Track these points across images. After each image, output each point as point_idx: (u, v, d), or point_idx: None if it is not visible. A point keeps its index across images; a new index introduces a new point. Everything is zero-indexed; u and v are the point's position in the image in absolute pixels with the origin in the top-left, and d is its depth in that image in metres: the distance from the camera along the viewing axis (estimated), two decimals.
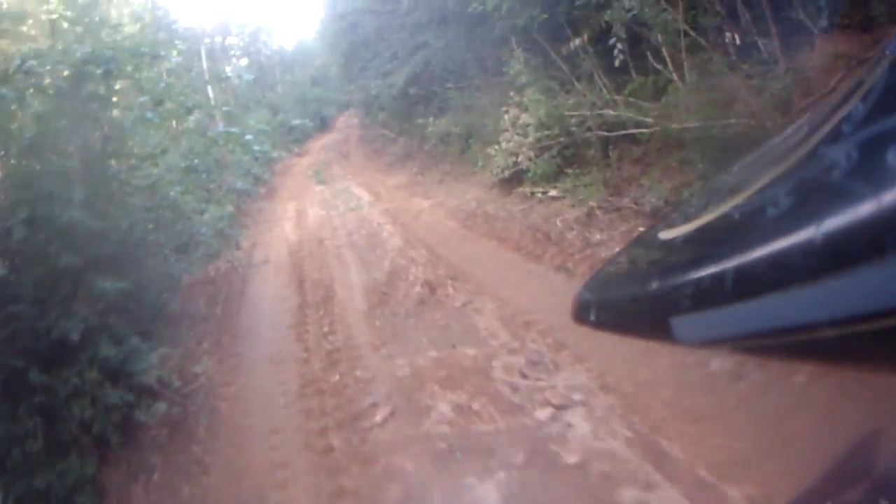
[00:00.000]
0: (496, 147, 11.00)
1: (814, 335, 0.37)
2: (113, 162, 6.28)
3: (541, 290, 6.59)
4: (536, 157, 10.12)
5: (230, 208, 13.10)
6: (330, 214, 13.51)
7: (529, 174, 10.18)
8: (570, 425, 4.21)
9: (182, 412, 5.32)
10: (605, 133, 9.18)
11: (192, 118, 8.97)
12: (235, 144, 8.66)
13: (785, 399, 3.90)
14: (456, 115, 15.03)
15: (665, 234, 0.66)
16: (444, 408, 4.66)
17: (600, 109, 9.28)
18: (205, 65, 23.71)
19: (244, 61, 37.29)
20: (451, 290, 7.02)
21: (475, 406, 4.62)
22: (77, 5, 6.83)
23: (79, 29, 6.52)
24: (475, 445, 4.17)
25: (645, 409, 4.23)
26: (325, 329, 6.79)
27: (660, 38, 8.30)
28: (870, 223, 0.33)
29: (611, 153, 9.33)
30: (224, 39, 35.70)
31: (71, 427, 4.43)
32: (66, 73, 5.38)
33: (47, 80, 5.50)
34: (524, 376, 4.93)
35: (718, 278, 0.43)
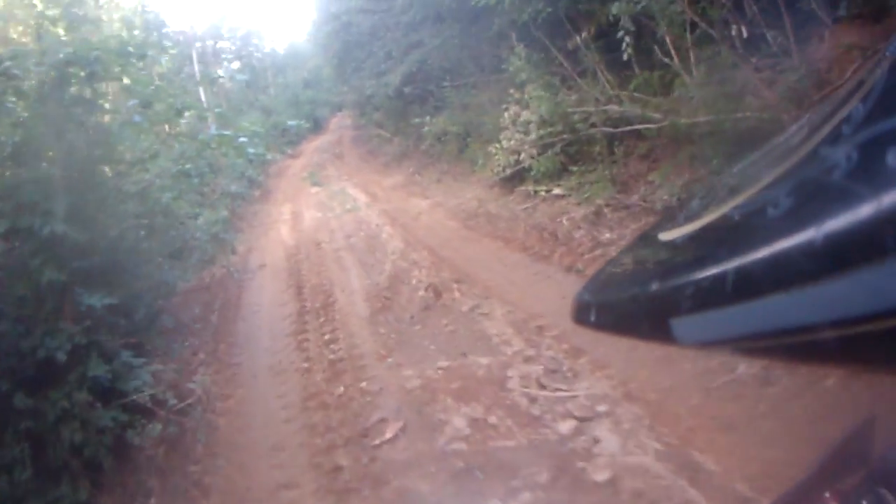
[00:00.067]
0: (497, 145, 10.73)
1: (814, 336, 0.36)
2: (100, 168, 6.00)
3: (551, 293, 6.30)
4: (539, 154, 9.86)
5: (224, 212, 12.88)
6: (326, 216, 13.22)
7: (532, 172, 9.93)
8: (595, 439, 3.93)
9: (178, 429, 5.04)
10: (611, 129, 8.94)
11: (183, 121, 8.65)
12: (229, 147, 8.35)
13: (816, 404, 3.64)
14: (453, 113, 14.78)
15: (665, 235, 0.66)
16: (458, 422, 4.37)
17: (604, 105, 9.06)
18: (196, 68, 23.50)
19: (236, 64, 37.38)
20: (457, 294, 6.74)
21: (492, 420, 4.33)
22: (62, 3, 6.53)
23: (61, 28, 6.20)
24: (495, 463, 3.89)
25: (673, 419, 3.96)
26: (327, 337, 6.51)
27: (665, 31, 8.06)
28: (870, 224, 0.32)
29: (616, 150, 9.10)
30: (215, 43, 35.76)
31: (61, 452, 4.16)
32: (47, 75, 5.08)
33: (28, 83, 5.20)
34: (542, 386, 4.65)
35: (718, 279, 0.43)
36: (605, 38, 9.38)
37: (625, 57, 8.49)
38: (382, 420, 4.62)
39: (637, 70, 9.16)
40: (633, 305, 0.57)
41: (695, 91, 7.50)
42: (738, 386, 4.07)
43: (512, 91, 10.77)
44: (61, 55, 5.00)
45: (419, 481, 3.88)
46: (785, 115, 6.11)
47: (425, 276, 7.55)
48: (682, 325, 0.46)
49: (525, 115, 10.23)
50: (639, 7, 8.06)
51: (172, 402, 5.14)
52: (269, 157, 16.17)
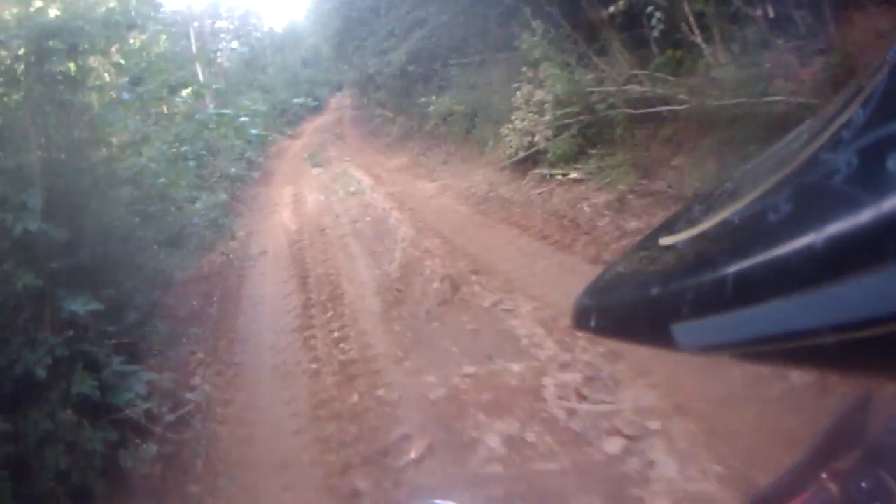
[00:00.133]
0: (509, 126, 10.26)
1: (815, 341, 0.35)
2: (87, 153, 5.51)
3: (578, 287, 5.67)
4: (555, 136, 9.39)
5: (224, 196, 12.50)
6: (330, 200, 12.73)
7: (549, 155, 9.41)
8: (649, 461, 3.47)
9: (177, 442, 4.58)
10: (632, 110, 8.47)
11: (179, 100, 8.09)
12: (228, 128, 7.81)
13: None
14: (459, 92, 14.36)
15: (665, 240, 0.60)
16: (492, 440, 3.89)
17: (624, 85, 8.59)
18: (194, 48, 23.04)
19: (234, 44, 36.93)
20: (476, 288, 6.24)
21: (530, 437, 3.86)
22: None
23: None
24: (538, 491, 3.43)
25: (731, 436, 3.50)
26: (336, 334, 6.01)
27: (687, 9, 7.81)
28: (870, 229, 0.32)
29: (636, 132, 8.60)
30: (213, 22, 35.23)
31: (45, 478, 3.69)
32: (22, 49, 4.52)
33: (1, 58, 4.66)
34: (583, 397, 4.17)
35: (719, 284, 0.40)
36: (624, 14, 8.95)
37: (655, 34, 8.02)
38: (405, 437, 4.13)
39: (655, 49, 8.79)
40: (633, 310, 0.53)
41: (721, 72, 7.18)
42: (794, 396, 3.66)
43: (525, 69, 10.31)
44: (39, 26, 4.43)
45: None
46: (818, 99, 5.89)
47: (439, 266, 7.06)
48: (682, 330, 0.43)
49: (539, 94, 9.74)
50: None
51: (169, 417, 4.67)
52: (269, 137, 15.75)
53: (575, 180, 8.86)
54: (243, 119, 7.30)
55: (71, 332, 4.08)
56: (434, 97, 15.09)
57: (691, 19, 7.84)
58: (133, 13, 5.78)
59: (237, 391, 5.46)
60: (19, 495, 3.58)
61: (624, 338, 0.58)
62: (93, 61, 5.58)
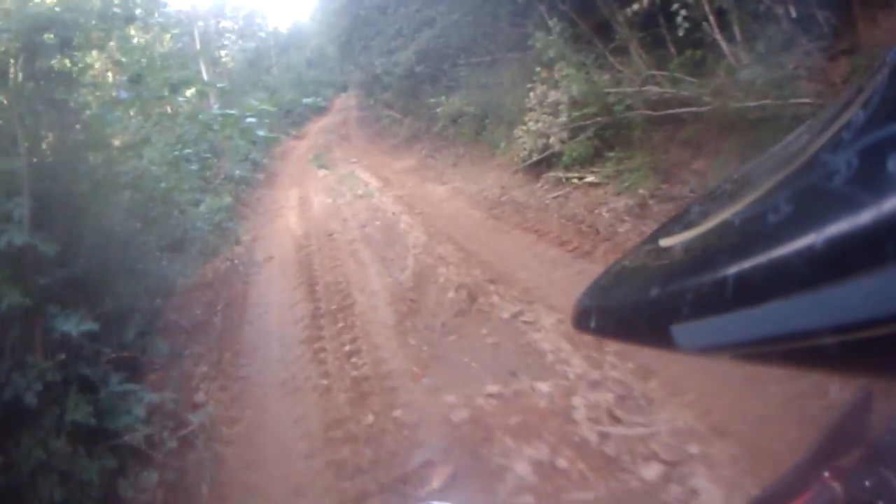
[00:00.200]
0: (522, 128, 9.98)
1: (814, 342, 0.36)
2: (84, 156, 5.23)
3: None
4: (570, 138, 9.11)
5: (228, 199, 12.28)
6: (337, 203, 12.41)
7: (564, 158, 9.11)
8: (692, 490, 3.21)
9: (180, 467, 4.29)
10: (651, 112, 8.17)
11: (182, 99, 7.75)
12: (234, 129, 7.48)
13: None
14: (469, 93, 14.10)
15: (665, 241, 0.60)
16: (521, 468, 3.59)
17: (643, 86, 8.31)
18: (198, 47, 22.86)
19: (239, 44, 36.85)
20: (495, 298, 5.93)
21: (562, 463, 3.57)
22: None
23: None
24: None
25: (775, 460, 3.22)
26: (347, 347, 5.70)
27: (707, 8, 7.54)
28: (870, 230, 0.32)
29: (654, 135, 8.32)
30: (218, 22, 35.49)
31: None
32: (11, 43, 4.20)
33: None
34: (616, 419, 3.87)
35: (719, 285, 0.41)
36: (641, 13, 8.67)
37: (680, 32, 7.69)
38: (427, 463, 3.82)
39: (673, 49, 8.58)
40: (633, 311, 0.54)
41: (749, 73, 6.89)
42: (834, 414, 3.33)
43: (539, 69, 10.03)
44: (30, 18, 4.11)
45: None
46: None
47: (454, 274, 6.77)
48: (682, 331, 0.45)
49: (554, 95, 9.46)
50: None
51: (172, 444, 4.36)
52: (278, 139, 15.47)
53: (591, 184, 8.57)
54: (250, 120, 6.95)
55: (63, 355, 3.78)
56: (443, 98, 14.83)
57: (712, 18, 7.60)
58: (132, 5, 5.46)
59: (244, 408, 5.16)
60: None
61: (624, 339, 0.58)
62: (89, 57, 5.28)
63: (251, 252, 9.96)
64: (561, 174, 9.22)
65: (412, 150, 16.61)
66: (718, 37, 7.55)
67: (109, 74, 6.24)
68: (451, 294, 6.29)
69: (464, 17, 13.88)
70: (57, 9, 4.37)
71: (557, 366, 4.57)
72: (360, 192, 12.67)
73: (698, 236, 0.56)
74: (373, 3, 18.66)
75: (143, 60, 5.88)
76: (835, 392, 3.47)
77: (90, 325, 3.78)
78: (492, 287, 6.17)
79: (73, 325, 3.66)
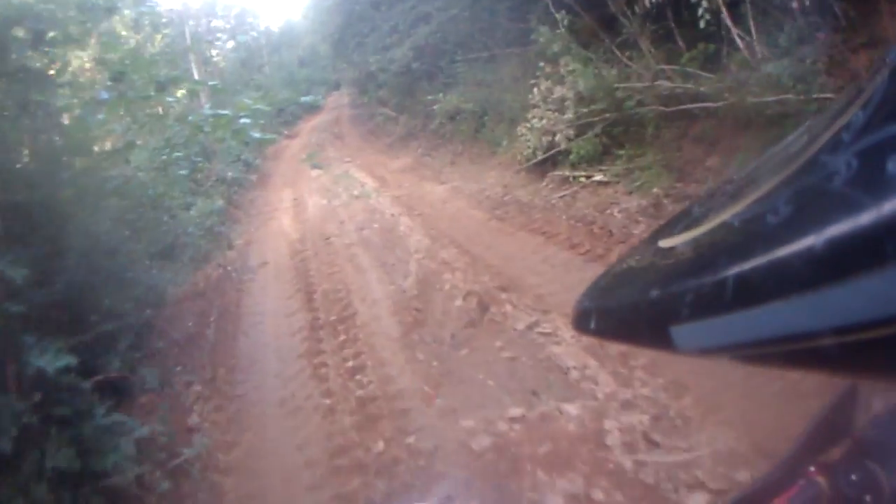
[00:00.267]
0: (526, 125, 9.61)
1: (814, 344, 0.36)
2: (65, 162, 4.87)
3: None
4: (577, 135, 8.72)
5: (220, 202, 11.94)
6: (332, 204, 12.02)
7: (571, 156, 8.75)
8: None
9: (174, 501, 3.91)
10: (663, 108, 7.82)
11: (171, 99, 7.30)
12: (226, 130, 7.03)
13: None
14: (466, 90, 13.79)
15: (665, 242, 0.61)
16: (553, 503, 3.23)
17: (650, 81, 7.96)
18: (189, 46, 22.57)
19: (230, 44, 36.95)
20: (508, 307, 5.54)
21: (598, 496, 3.20)
22: None
23: None
24: None
25: None
26: (350, 363, 5.31)
27: (721, 1, 7.23)
28: (870, 231, 0.32)
29: (664, 132, 7.97)
30: (209, 21, 35.11)
31: None
32: None
33: None
34: (652, 443, 3.50)
35: (718, 286, 0.41)
36: (655, 5, 8.37)
37: (701, 24, 7.33)
38: (447, 499, 3.45)
39: (681, 43, 8.26)
40: (632, 312, 0.55)
41: (769, 67, 6.58)
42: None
43: (542, 65, 9.66)
44: None
45: None
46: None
47: (461, 280, 6.39)
48: (681, 332, 0.45)
49: (559, 90, 9.10)
50: None
51: (164, 484, 3.97)
52: (275, 141, 15.13)
53: (600, 183, 8.22)
54: (244, 121, 6.51)
55: (40, 395, 3.38)
56: (441, 95, 14.51)
57: (724, 11, 7.29)
58: None
59: (241, 431, 4.78)
60: None
61: (624, 340, 0.58)
62: (68, 54, 4.88)
63: (244, 257, 9.56)
64: (567, 173, 8.87)
65: (408, 148, 16.18)
66: (733, 30, 7.25)
67: (91, 74, 5.84)
68: (458, 302, 5.92)
69: (461, 13, 13.61)
70: (29, 0, 3.97)
71: (583, 384, 4.20)
72: (356, 192, 12.30)
73: (698, 237, 0.55)
74: (364, 1, 18.28)
75: (127, 58, 5.46)
76: (878, 404, 3.11)
77: (67, 360, 3.39)
78: (503, 295, 5.79)
79: (51, 359, 3.27)
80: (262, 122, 7.94)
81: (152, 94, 5.77)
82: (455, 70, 14.47)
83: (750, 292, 0.39)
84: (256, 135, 6.35)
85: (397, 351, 5.30)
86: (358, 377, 5.01)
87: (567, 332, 4.87)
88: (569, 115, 8.81)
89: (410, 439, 4.03)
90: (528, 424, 3.88)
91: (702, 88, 7.40)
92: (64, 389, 3.56)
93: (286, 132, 24.56)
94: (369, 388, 4.81)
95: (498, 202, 9.30)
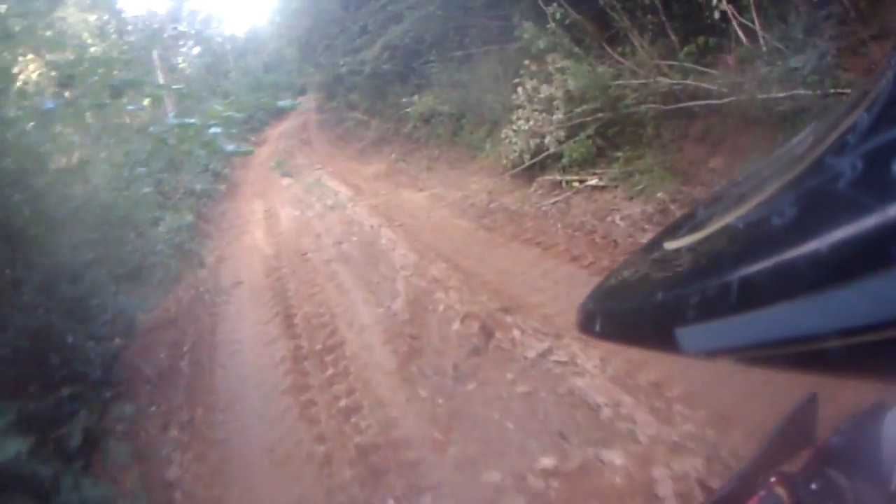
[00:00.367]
0: (512, 127, 9.07)
1: (819, 346, 0.37)
2: (24, 183, 4.34)
3: None
4: (568, 137, 8.21)
5: (189, 217, 11.34)
6: (306, 215, 11.42)
7: (563, 159, 8.25)
8: None
9: None
10: (661, 106, 7.35)
11: (131, 107, 6.59)
12: (193, 142, 6.36)
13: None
14: (442, 91, 13.27)
15: (670, 244, 0.65)
16: None
17: (645, 78, 7.58)
18: (155, 53, 22.02)
19: (196, 49, 36.46)
20: (515, 333, 5.01)
21: None
22: None
23: None
24: None
25: None
26: (343, 402, 4.73)
27: None
28: (875, 233, 0.33)
29: (663, 132, 7.53)
30: (175, 28, 34.50)
31: None
32: None
33: None
34: (711, 491, 3.01)
35: (723, 289, 0.43)
36: None
37: (716, 15, 6.87)
38: None
39: (674, 37, 7.89)
40: (637, 315, 0.58)
41: (792, 61, 6.13)
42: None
43: (527, 62, 9.15)
44: None
45: None
46: None
47: (456, 301, 5.87)
48: (686, 334, 0.47)
49: (546, 90, 8.57)
50: None
51: None
52: (252, 153, 14.62)
53: (595, 188, 7.73)
54: (214, 130, 5.85)
55: None
56: (415, 97, 13.95)
57: (724, 2, 6.90)
58: None
59: (227, 485, 4.21)
60: None
61: (629, 342, 0.60)
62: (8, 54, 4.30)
63: (217, 277, 8.95)
64: (558, 177, 8.38)
65: (381, 153, 15.59)
66: (735, 23, 6.93)
67: (41, 79, 5.23)
68: (456, 326, 5.40)
69: (434, 11, 13.06)
70: None
71: (619, 423, 3.68)
72: (330, 202, 11.71)
73: (703, 239, 0.57)
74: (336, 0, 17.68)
75: (76, 59, 4.85)
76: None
77: (17, 446, 2.83)
78: (507, 318, 5.26)
79: None
80: (234, 131, 7.29)
81: (108, 101, 5.13)
82: (429, 71, 13.98)
83: (755, 294, 0.39)
84: (229, 147, 5.66)
85: (395, 387, 4.74)
86: (354, 419, 4.45)
87: (589, 362, 4.35)
88: (558, 115, 8.32)
89: (426, 499, 3.49)
90: (567, 478, 3.35)
91: (703, 84, 7.02)
92: (18, 478, 3.00)
93: (253, 139, 23.95)
94: (369, 433, 4.25)
95: (484, 210, 8.77)
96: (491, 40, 11.72)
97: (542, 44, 8.86)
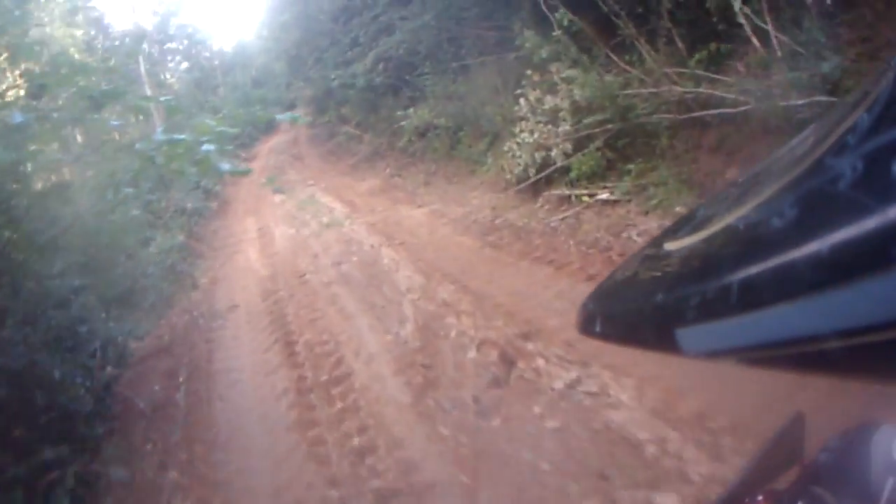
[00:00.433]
0: (515, 140, 8.75)
1: (819, 347, 0.36)
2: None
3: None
4: (576, 150, 7.90)
5: (180, 237, 10.99)
6: (302, 234, 11.08)
7: (571, 172, 7.93)
8: None
9: None
10: (674, 116, 7.10)
11: (116, 122, 6.12)
12: (184, 161, 5.90)
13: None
14: (437, 104, 12.99)
15: (670, 245, 0.67)
16: None
17: (663, 86, 7.29)
18: (143, 69, 21.82)
19: (184, 65, 36.76)
20: (539, 362, 4.66)
21: None
22: None
23: None
24: None
25: None
26: (356, 441, 4.36)
27: None
28: (875, 234, 0.33)
29: (676, 142, 7.28)
30: (163, 44, 34.80)
31: None
32: None
33: None
34: None
35: (724, 290, 0.43)
36: (642, 4, 7.93)
37: (740, 19, 6.59)
38: None
39: (681, 45, 7.59)
40: (638, 315, 0.57)
41: (824, 66, 5.79)
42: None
43: (529, 72, 8.87)
44: None
45: None
46: None
47: (469, 326, 5.52)
48: (687, 335, 0.46)
49: (551, 100, 8.25)
50: None
51: None
52: (250, 172, 14.40)
53: (607, 202, 7.40)
54: (207, 148, 5.42)
55: None
56: (410, 110, 13.72)
57: (737, 6, 6.55)
58: None
59: None
60: None
61: (629, 343, 0.59)
62: None
63: (211, 300, 8.58)
64: (566, 191, 8.06)
65: (375, 169, 15.28)
66: (749, 27, 6.60)
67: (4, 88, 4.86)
68: (471, 354, 5.06)
69: (427, 22, 12.89)
70: None
71: (666, 461, 3.33)
72: (325, 220, 11.40)
73: (703, 240, 0.57)
74: (326, 12, 17.52)
75: (49, 67, 4.50)
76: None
77: None
78: (528, 345, 4.92)
79: None
80: (229, 147, 6.93)
81: (91, 114, 4.73)
82: (423, 83, 13.69)
83: (755, 295, 0.38)
84: (225, 166, 5.23)
85: (412, 423, 4.37)
86: (370, 461, 4.09)
87: (623, 392, 4.01)
88: (565, 126, 8.01)
89: None
90: None
91: (716, 92, 6.73)
92: None
93: (243, 155, 23.69)
94: (388, 477, 3.89)
95: (488, 227, 8.44)
96: (487, 51, 11.49)
97: (544, 53, 8.58)
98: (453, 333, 5.50)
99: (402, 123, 13.98)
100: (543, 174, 8.43)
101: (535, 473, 3.54)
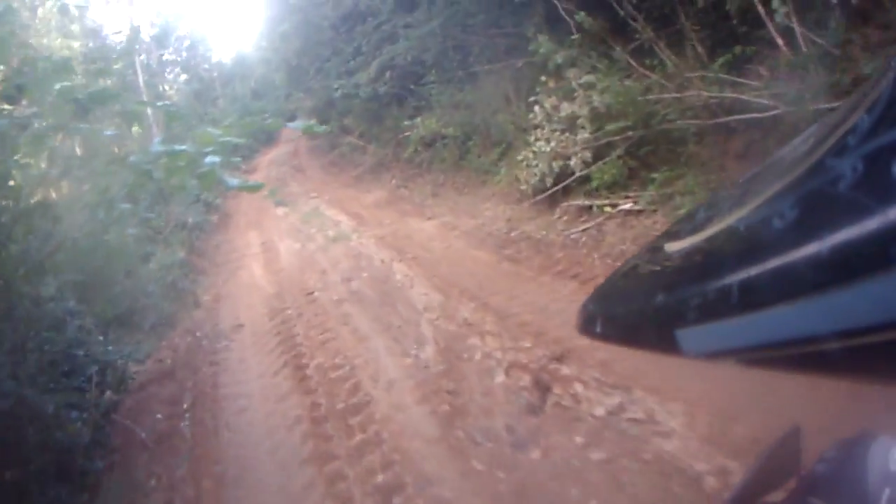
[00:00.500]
0: (532, 149, 8.43)
1: (819, 347, 0.36)
2: None
3: (721, 368, 3.89)
4: (596, 158, 7.57)
5: (181, 252, 10.64)
6: (308, 248, 10.72)
7: (594, 182, 7.59)
8: None
9: None
10: (700, 122, 6.87)
11: (110, 132, 5.65)
12: (185, 175, 5.45)
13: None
14: (444, 112, 12.72)
15: (671, 246, 0.64)
16: None
17: (686, 91, 7.05)
18: (141, 80, 21.61)
19: (183, 77, 36.39)
20: (578, 387, 4.30)
21: None
22: None
23: None
24: None
25: None
26: (380, 477, 3.98)
27: None
28: (875, 235, 0.33)
29: (701, 149, 7.01)
30: (161, 55, 34.58)
31: None
32: None
33: None
34: None
35: (724, 290, 0.42)
36: (661, 7, 7.75)
37: (777, 19, 6.26)
38: None
39: (700, 48, 7.39)
40: (638, 316, 0.57)
41: (867, 67, 5.55)
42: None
43: (544, 79, 8.59)
44: None
45: None
46: None
47: (495, 348, 5.17)
48: (687, 336, 0.46)
49: (568, 108, 7.92)
50: None
51: None
52: (261, 188, 14.17)
53: (630, 212, 7.08)
54: (211, 160, 4.99)
55: None
56: (417, 120, 13.41)
57: (760, 7, 6.43)
58: None
59: None
60: None
61: (629, 344, 0.58)
62: None
63: (215, 319, 8.20)
64: (586, 201, 7.74)
65: (380, 180, 14.97)
66: (772, 29, 6.43)
67: None
68: (500, 378, 4.72)
69: (432, 30, 12.59)
70: None
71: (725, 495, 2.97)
72: (331, 233, 11.06)
73: (704, 241, 0.56)
74: (328, 20, 17.16)
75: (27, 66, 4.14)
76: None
77: None
78: (563, 368, 4.55)
79: None
80: (237, 159, 6.56)
81: (82, 123, 4.34)
82: (429, 92, 13.43)
83: (756, 296, 0.38)
84: (233, 181, 4.76)
85: (442, 458, 3.99)
86: (398, 501, 3.72)
87: (672, 419, 3.67)
88: (584, 134, 7.70)
89: None
90: None
91: (742, 96, 6.50)
92: None
93: (243, 167, 23.40)
94: None
95: (504, 240, 8.11)
96: (496, 58, 11.21)
97: (559, 58, 8.28)
98: (478, 356, 5.15)
99: (408, 133, 13.69)
100: (561, 184, 8.10)
101: None
